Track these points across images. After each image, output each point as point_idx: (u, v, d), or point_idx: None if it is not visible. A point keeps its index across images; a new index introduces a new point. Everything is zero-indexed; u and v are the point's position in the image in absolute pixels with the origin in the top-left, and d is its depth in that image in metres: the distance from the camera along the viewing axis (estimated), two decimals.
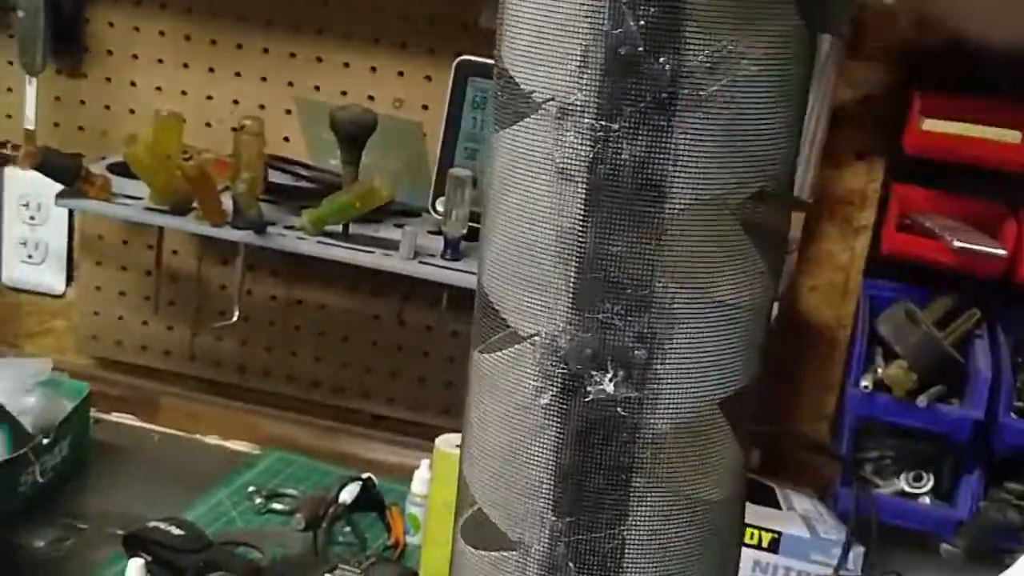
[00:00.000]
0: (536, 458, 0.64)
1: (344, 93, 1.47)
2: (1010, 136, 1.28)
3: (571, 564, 0.63)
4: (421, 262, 1.36)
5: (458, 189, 1.33)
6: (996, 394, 1.30)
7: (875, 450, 1.37)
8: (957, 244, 1.28)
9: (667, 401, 0.63)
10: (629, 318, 0.62)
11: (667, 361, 0.63)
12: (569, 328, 0.62)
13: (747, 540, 1.22)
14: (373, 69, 1.47)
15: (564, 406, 0.63)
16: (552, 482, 0.64)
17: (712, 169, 0.61)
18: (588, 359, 0.62)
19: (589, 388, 0.63)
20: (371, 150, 1.39)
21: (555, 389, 0.63)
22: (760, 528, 1.23)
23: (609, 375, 0.62)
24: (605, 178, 0.60)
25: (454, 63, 1.38)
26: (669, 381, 0.63)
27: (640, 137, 0.59)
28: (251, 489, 1.38)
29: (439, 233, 1.38)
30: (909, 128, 1.30)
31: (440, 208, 1.39)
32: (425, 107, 1.46)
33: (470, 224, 1.35)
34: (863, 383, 1.33)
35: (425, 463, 1.30)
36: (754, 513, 1.26)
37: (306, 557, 1.20)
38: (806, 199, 1.36)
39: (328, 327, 1.55)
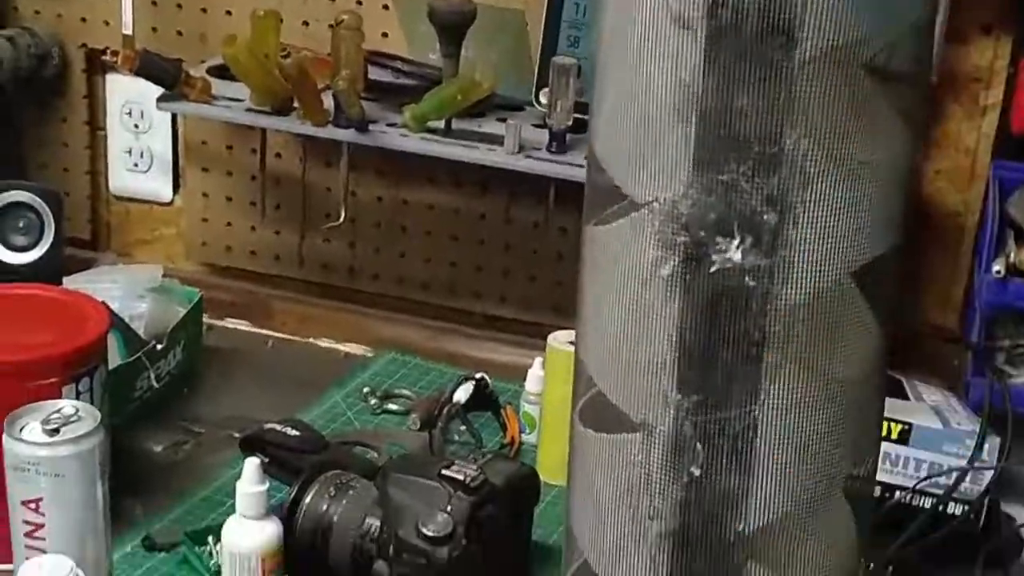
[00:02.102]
0: (658, 335, 0.60)
1: None
2: None
3: (698, 445, 0.60)
4: (526, 156, 1.33)
5: (562, 79, 1.29)
6: None
7: (1008, 338, 1.31)
8: None
9: (800, 269, 0.58)
10: (757, 179, 0.57)
11: (799, 225, 0.58)
12: (691, 192, 0.58)
13: None
14: None
15: (687, 277, 0.59)
16: (676, 359, 0.60)
17: (846, 12, 0.55)
18: (712, 225, 0.58)
19: (714, 257, 0.58)
20: (471, 42, 1.35)
21: (677, 259, 0.59)
22: (889, 419, 1.18)
23: (736, 242, 0.58)
24: (727, 24, 0.55)
25: None
26: (802, 247, 0.58)
27: None
28: (366, 390, 1.37)
29: (543, 126, 1.34)
30: None
31: (544, 100, 1.35)
32: None
33: (575, 115, 1.31)
34: (995, 268, 1.26)
35: (538, 361, 1.28)
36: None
37: (424, 455, 1.18)
38: (929, 77, 1.28)
39: (435, 227, 1.52)
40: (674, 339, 0.60)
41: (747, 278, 0.58)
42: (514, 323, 1.52)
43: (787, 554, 0.61)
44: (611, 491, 0.63)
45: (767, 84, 0.56)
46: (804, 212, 0.58)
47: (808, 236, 0.58)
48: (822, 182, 0.58)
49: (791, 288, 0.58)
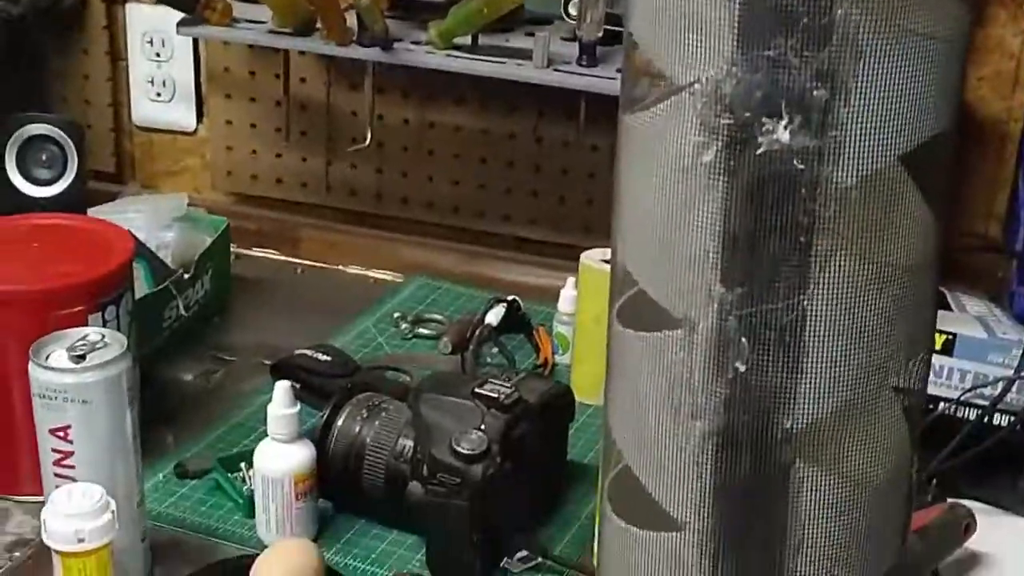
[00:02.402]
0: (700, 224, 0.57)
1: None
2: None
3: (744, 340, 0.57)
4: (555, 70, 1.30)
5: None
6: None
7: None
8: None
9: (852, 150, 0.55)
10: (806, 53, 0.53)
11: (851, 103, 0.54)
12: (734, 70, 0.54)
13: None
14: None
15: (731, 162, 0.55)
16: (720, 250, 0.57)
17: None
18: (758, 104, 0.54)
19: (760, 138, 0.55)
20: None
21: (720, 143, 0.56)
22: None
23: (784, 122, 0.54)
24: None
25: None
26: (855, 127, 0.55)
27: None
28: (396, 315, 1.35)
29: (574, 39, 1.31)
30: None
31: (573, 11, 1.32)
32: None
33: (606, 27, 1.27)
34: None
35: (571, 280, 1.25)
36: None
37: (456, 375, 1.16)
38: None
39: (463, 149, 1.49)
40: (717, 229, 0.56)
41: (795, 161, 0.55)
42: (545, 245, 1.49)
43: (836, 453, 0.58)
44: (652, 392, 0.60)
45: None
46: (856, 89, 0.54)
47: (860, 115, 0.54)
48: (875, 56, 0.54)
49: (843, 170, 0.55)
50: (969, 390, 1.15)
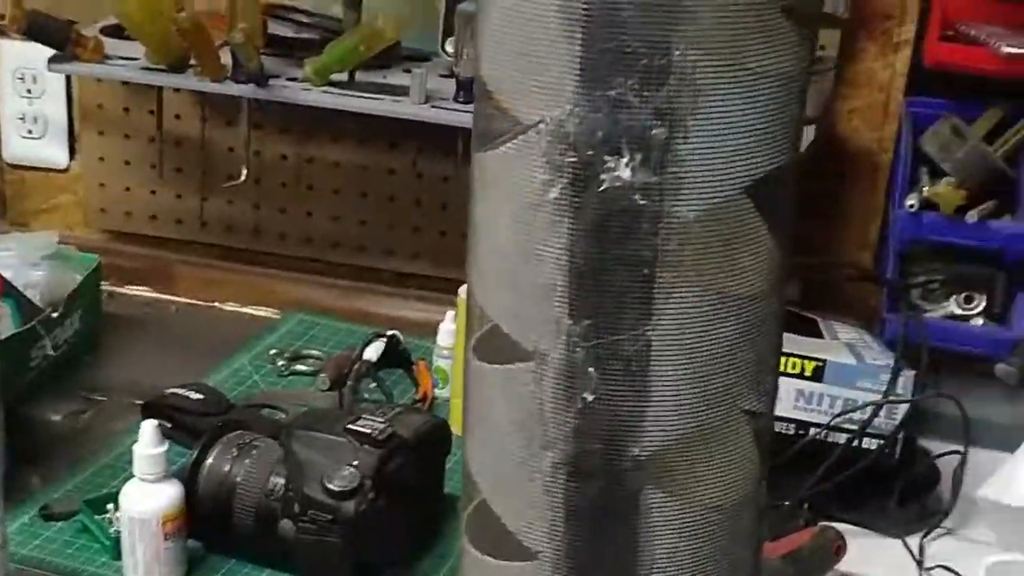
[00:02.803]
0: (548, 258, 0.57)
1: None
2: None
3: (591, 370, 0.57)
4: (433, 106, 1.30)
5: (468, 27, 1.25)
6: None
7: (922, 274, 1.31)
8: (1006, 50, 1.20)
9: (693, 185, 0.56)
10: (645, 92, 0.54)
11: (690, 140, 0.55)
12: (577, 110, 0.55)
13: (790, 370, 1.17)
14: None
15: (576, 198, 0.56)
16: (567, 283, 0.57)
17: None
18: (600, 143, 0.55)
19: (603, 175, 0.56)
20: None
21: (565, 180, 0.56)
22: (803, 357, 1.17)
23: (625, 159, 0.55)
24: None
25: None
26: (694, 163, 0.56)
27: None
28: (273, 352, 1.34)
29: (451, 75, 1.31)
30: None
31: (450, 49, 1.33)
32: None
33: None
34: (908, 203, 1.26)
35: (450, 314, 1.25)
36: (796, 343, 1.20)
37: (330, 412, 1.15)
38: (841, 14, 1.28)
39: (343, 184, 1.49)
40: (564, 263, 0.57)
41: (637, 196, 0.56)
42: (427, 279, 1.49)
43: (686, 477, 0.59)
44: (506, 424, 0.61)
45: None
46: (695, 126, 0.55)
47: (699, 150, 0.56)
48: (713, 94, 0.55)
49: (683, 204, 0.56)
50: (838, 415, 1.18)
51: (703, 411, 0.59)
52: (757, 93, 0.57)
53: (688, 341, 0.58)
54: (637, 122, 0.55)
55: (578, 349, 0.57)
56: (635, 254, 0.56)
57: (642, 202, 0.56)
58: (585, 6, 0.55)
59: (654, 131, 0.55)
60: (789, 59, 0.58)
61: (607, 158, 0.56)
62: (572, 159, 0.56)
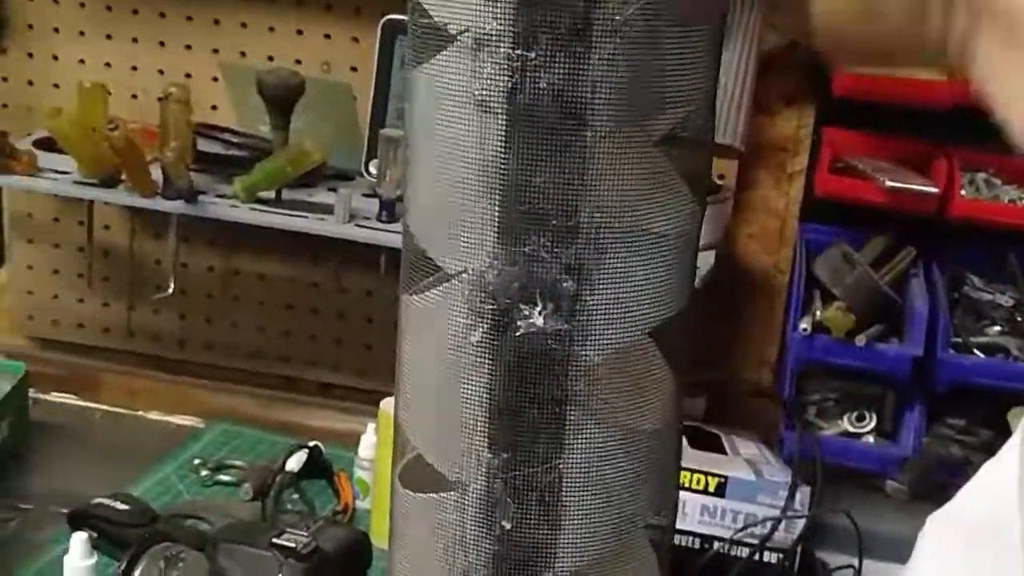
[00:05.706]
0: (470, 396, 0.63)
1: (271, 58, 1.46)
2: (936, 74, 1.29)
3: (509, 500, 0.63)
4: (357, 225, 1.36)
5: (390, 150, 1.32)
6: (934, 330, 1.31)
7: (817, 392, 1.38)
8: (889, 184, 1.29)
9: (598, 332, 0.63)
10: (556, 249, 0.61)
11: (596, 291, 0.62)
12: (496, 263, 0.62)
13: (694, 485, 1.23)
14: (299, 32, 1.46)
15: (495, 342, 0.63)
16: (487, 419, 0.63)
17: (631, 96, 0.60)
18: (516, 293, 0.62)
19: (519, 322, 0.62)
20: (301, 114, 1.38)
21: (485, 325, 0.63)
22: (706, 473, 1.24)
23: (538, 308, 0.62)
24: (524, 108, 0.59)
25: (381, 23, 1.37)
26: (599, 311, 0.63)
27: (557, 65, 0.59)
28: (197, 462, 1.37)
29: (374, 195, 1.37)
30: (836, 71, 1.30)
31: (373, 170, 1.39)
32: (354, 69, 1.45)
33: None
34: (802, 326, 1.34)
35: (371, 427, 1.30)
36: (700, 459, 1.27)
37: (255, 524, 1.19)
38: (738, 147, 1.36)
39: (268, 296, 1.54)
40: (485, 400, 0.63)
41: (550, 341, 0.62)
42: (350, 391, 1.53)
43: None
44: (428, 550, 0.66)
45: (562, 162, 0.60)
46: (600, 279, 0.62)
47: (605, 301, 0.62)
48: (616, 251, 0.62)
49: (590, 349, 0.62)
50: (741, 530, 1.24)
51: (610, 537, 0.65)
52: (656, 250, 0.64)
53: (596, 473, 0.64)
54: (549, 275, 0.62)
55: (497, 480, 0.63)
56: (548, 394, 0.63)
57: (554, 347, 0.62)
58: (503, 171, 0.62)
59: (564, 283, 0.62)
60: (684, 219, 0.66)
61: (523, 306, 0.62)
62: (491, 306, 0.63)
